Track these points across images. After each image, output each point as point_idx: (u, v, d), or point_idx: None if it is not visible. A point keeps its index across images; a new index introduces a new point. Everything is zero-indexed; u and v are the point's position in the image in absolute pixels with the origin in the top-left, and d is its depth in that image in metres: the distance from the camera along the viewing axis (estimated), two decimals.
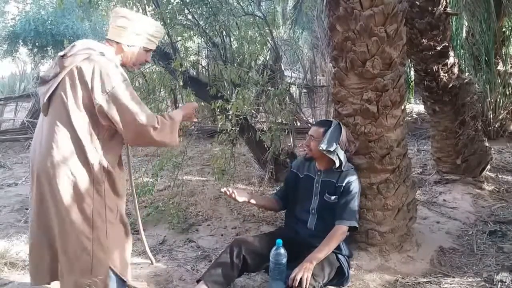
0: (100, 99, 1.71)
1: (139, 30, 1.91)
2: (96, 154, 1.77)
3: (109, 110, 1.72)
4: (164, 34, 2.12)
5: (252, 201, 2.44)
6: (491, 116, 5.73)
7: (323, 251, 2.18)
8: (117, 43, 1.90)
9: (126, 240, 1.96)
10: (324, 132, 2.39)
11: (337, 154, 2.34)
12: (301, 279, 1.99)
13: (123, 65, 1.94)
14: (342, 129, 2.44)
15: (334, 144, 2.34)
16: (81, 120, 1.74)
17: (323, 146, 2.32)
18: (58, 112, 1.75)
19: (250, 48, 4.15)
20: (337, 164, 2.35)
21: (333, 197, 2.37)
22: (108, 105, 1.72)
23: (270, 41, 4.47)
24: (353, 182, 2.37)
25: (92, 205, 1.76)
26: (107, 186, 1.82)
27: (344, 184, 2.35)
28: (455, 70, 3.89)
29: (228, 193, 2.30)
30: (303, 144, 2.50)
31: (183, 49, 4.22)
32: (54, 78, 1.76)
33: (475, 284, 2.40)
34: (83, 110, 1.74)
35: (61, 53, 1.78)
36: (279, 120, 4.29)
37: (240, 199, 2.35)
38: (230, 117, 3.69)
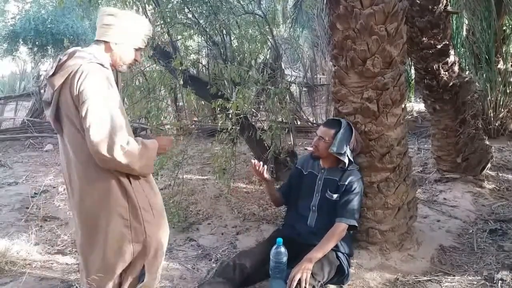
0: (81, 108, 1.66)
1: (126, 27, 1.83)
2: None
3: (83, 121, 1.65)
4: (152, 31, 2.03)
5: (270, 184, 2.59)
6: (492, 114, 5.72)
7: (322, 249, 2.18)
8: (105, 42, 1.83)
9: (165, 236, 1.96)
10: (334, 134, 2.40)
11: (347, 155, 2.36)
12: (300, 279, 1.99)
13: (111, 65, 1.87)
14: (353, 130, 2.46)
15: (345, 146, 2.36)
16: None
17: (334, 149, 2.35)
18: (69, 129, 1.75)
19: (250, 46, 4.15)
20: (346, 164, 2.37)
21: (335, 195, 2.37)
22: (83, 115, 1.65)
23: (270, 40, 4.47)
24: (356, 181, 2.37)
25: (128, 208, 1.77)
26: (136, 186, 1.80)
27: (346, 183, 2.36)
28: (456, 68, 3.88)
29: (257, 167, 2.42)
30: (312, 145, 2.52)
31: (183, 48, 4.22)
32: (52, 98, 1.75)
33: (475, 282, 2.40)
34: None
35: (50, 74, 1.74)
36: (280, 119, 4.29)
37: (267, 176, 2.49)
38: (230, 116, 3.68)
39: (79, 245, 1.87)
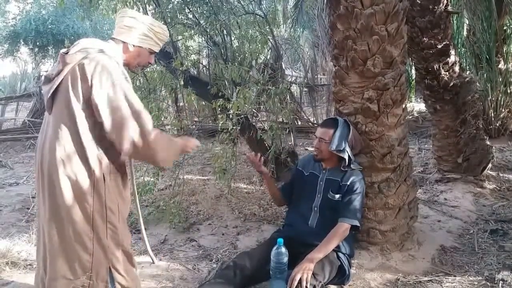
0: (96, 96, 1.68)
1: (147, 32, 1.91)
2: (97, 152, 1.76)
3: (102, 107, 1.68)
4: (168, 36, 2.11)
5: (269, 179, 2.67)
6: (492, 114, 5.72)
7: (324, 249, 2.18)
8: (123, 42, 1.90)
9: (128, 242, 1.95)
10: (333, 133, 2.40)
11: (346, 152, 2.37)
12: (300, 279, 1.99)
13: (126, 65, 1.94)
14: (350, 127, 2.47)
15: (343, 142, 2.37)
16: (83, 117, 1.72)
17: (333, 146, 2.36)
18: (61, 110, 1.75)
19: (250, 47, 4.15)
20: (347, 161, 2.37)
21: (337, 196, 2.38)
22: (103, 102, 1.68)
23: (270, 40, 4.47)
24: (358, 181, 2.37)
25: (92, 204, 1.75)
26: (109, 187, 1.79)
27: (348, 183, 2.36)
28: (456, 68, 3.88)
29: (251, 157, 2.56)
30: (313, 147, 2.52)
31: (184, 48, 4.23)
32: (57, 75, 1.76)
33: (476, 283, 2.40)
34: (85, 107, 1.72)
35: (64, 50, 1.78)
36: (280, 119, 4.30)
37: (264, 169, 2.59)
38: (231, 116, 3.69)
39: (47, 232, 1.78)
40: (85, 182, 1.73)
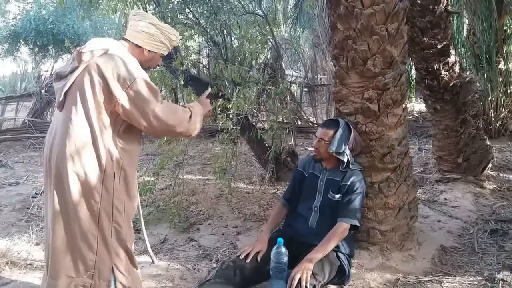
0: (120, 95, 1.71)
1: (163, 40, 1.95)
2: (109, 150, 1.76)
3: (130, 107, 1.73)
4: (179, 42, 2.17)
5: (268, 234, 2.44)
6: (492, 114, 5.72)
7: (323, 249, 2.18)
8: (139, 46, 1.92)
9: (131, 242, 1.95)
10: (333, 134, 2.39)
11: (346, 154, 2.36)
12: (300, 278, 1.99)
13: None
14: (351, 129, 2.46)
15: (343, 145, 2.36)
16: (97, 115, 1.73)
17: (333, 148, 2.35)
18: (74, 107, 1.75)
19: (251, 47, 4.15)
20: (345, 164, 2.37)
21: (337, 196, 2.37)
22: (130, 101, 1.73)
23: (271, 40, 4.47)
24: (358, 181, 2.37)
25: (100, 202, 1.75)
26: (117, 185, 1.80)
27: (348, 183, 2.36)
28: (456, 68, 3.88)
29: (253, 253, 2.26)
30: (313, 147, 2.50)
31: (184, 48, 4.22)
32: (72, 73, 1.76)
33: (476, 283, 2.40)
34: (101, 105, 1.73)
35: (80, 48, 1.78)
36: (280, 119, 4.30)
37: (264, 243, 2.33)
38: (231, 116, 3.69)
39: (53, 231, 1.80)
40: (94, 179, 1.74)
